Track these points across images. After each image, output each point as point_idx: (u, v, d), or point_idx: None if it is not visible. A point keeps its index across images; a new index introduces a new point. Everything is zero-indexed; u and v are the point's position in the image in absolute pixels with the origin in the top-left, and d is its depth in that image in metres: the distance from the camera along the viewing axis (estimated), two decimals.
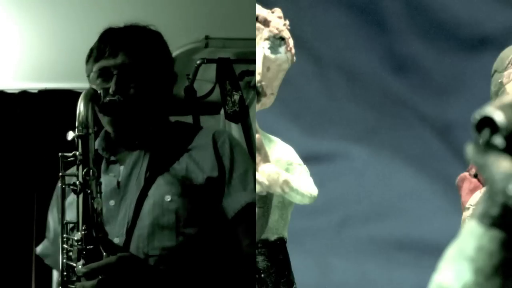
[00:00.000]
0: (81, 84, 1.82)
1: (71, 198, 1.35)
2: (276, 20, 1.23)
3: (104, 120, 1.40)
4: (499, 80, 1.54)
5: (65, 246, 1.31)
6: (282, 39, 1.22)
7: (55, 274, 1.52)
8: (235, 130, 2.29)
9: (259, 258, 1.24)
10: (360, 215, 2.31)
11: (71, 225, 1.33)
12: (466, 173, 1.57)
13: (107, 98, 1.36)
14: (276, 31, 1.22)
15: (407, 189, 2.28)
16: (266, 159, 1.17)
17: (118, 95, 1.37)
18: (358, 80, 2.25)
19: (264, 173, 1.15)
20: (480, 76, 1.67)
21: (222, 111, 2.29)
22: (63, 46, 2.09)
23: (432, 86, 2.34)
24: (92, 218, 1.28)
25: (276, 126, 2.13)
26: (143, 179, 1.37)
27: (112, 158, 1.44)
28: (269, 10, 1.23)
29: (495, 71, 1.57)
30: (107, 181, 1.38)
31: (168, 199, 1.35)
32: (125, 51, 1.42)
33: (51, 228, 1.51)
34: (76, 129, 1.30)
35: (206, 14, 2.04)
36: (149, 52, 1.46)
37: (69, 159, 1.31)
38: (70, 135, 1.31)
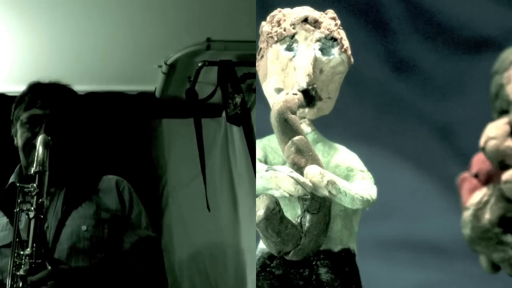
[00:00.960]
0: (79, 86, 1.86)
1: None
2: (327, 21, 1.18)
3: (29, 159, 1.70)
4: (499, 82, 1.55)
5: (15, 260, 1.58)
6: (334, 40, 1.17)
7: None
8: (237, 132, 2.29)
9: (322, 270, 1.16)
10: (361, 215, 2.31)
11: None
12: (467, 174, 1.58)
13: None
14: (327, 32, 1.17)
15: (408, 189, 2.29)
16: (313, 161, 1.11)
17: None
18: (359, 81, 2.25)
19: (308, 175, 1.09)
20: (480, 78, 1.67)
21: (223, 114, 2.30)
22: (62, 49, 2.10)
23: (433, 87, 2.35)
24: (43, 237, 1.59)
25: None
26: (60, 211, 1.69)
27: (27, 189, 1.69)
28: (321, 12, 1.19)
29: (495, 72, 1.58)
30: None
31: (84, 229, 1.69)
32: (53, 103, 1.71)
33: None
34: (35, 167, 1.60)
35: (208, 17, 2.04)
36: (71, 107, 1.75)
37: (24, 189, 1.61)
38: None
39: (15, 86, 2.06)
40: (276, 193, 1.09)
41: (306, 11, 1.18)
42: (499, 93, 1.55)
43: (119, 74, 2.26)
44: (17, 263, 1.58)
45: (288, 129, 1.09)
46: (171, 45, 2.14)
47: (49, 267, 1.57)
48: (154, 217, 2.18)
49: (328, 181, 1.08)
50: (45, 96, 1.74)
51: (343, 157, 1.21)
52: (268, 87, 1.19)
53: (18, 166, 1.80)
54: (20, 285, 1.55)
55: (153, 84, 2.32)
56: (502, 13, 2.28)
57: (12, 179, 1.79)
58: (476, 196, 1.51)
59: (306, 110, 1.18)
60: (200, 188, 2.31)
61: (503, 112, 1.54)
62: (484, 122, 1.56)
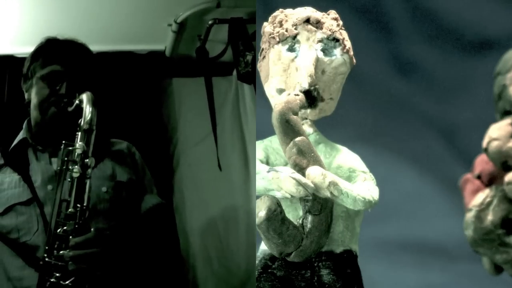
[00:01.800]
0: (93, 46, 1.84)
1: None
2: (330, 21, 1.17)
3: (45, 116, 1.66)
4: (502, 83, 1.55)
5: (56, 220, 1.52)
6: (336, 40, 1.17)
7: None
8: (248, 90, 2.27)
9: (324, 271, 1.15)
10: (363, 216, 2.32)
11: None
12: (469, 175, 1.58)
13: (64, 99, 1.62)
14: (329, 33, 1.16)
15: (411, 190, 2.28)
16: (315, 163, 1.10)
17: (66, 97, 1.62)
18: (362, 82, 2.25)
19: (310, 176, 1.08)
20: (483, 79, 1.67)
21: (234, 72, 2.27)
22: (69, 9, 2.07)
23: (436, 88, 2.35)
24: (88, 198, 1.53)
25: None
26: None
27: (40, 148, 1.69)
28: (323, 13, 1.18)
29: (498, 73, 1.57)
30: (42, 168, 1.66)
31: (104, 190, 1.66)
32: (74, 61, 1.67)
33: None
34: (83, 124, 1.55)
35: None
36: (91, 65, 1.71)
37: (69, 148, 1.55)
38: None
39: (23, 48, 2.04)
40: (278, 194, 1.09)
41: (308, 11, 1.17)
42: (502, 94, 1.55)
43: (129, 33, 2.22)
44: (58, 223, 1.53)
45: (290, 130, 1.10)
46: (181, 3, 2.10)
47: (93, 230, 1.52)
48: (165, 177, 2.23)
49: (330, 182, 1.08)
50: (65, 53, 1.69)
51: (345, 158, 1.20)
52: (269, 87, 1.19)
53: (26, 122, 1.75)
54: (61, 245, 1.50)
55: (163, 43, 2.28)
56: (505, 14, 2.28)
57: (22, 135, 1.73)
58: (478, 198, 1.51)
59: (308, 111, 1.18)
60: (211, 147, 2.28)
61: (506, 113, 1.54)
62: (487, 123, 1.55)
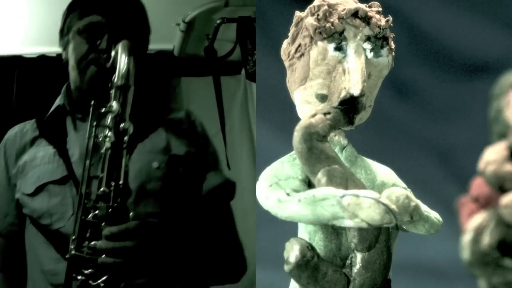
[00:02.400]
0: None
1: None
2: (377, 16, 0.96)
3: (84, 77, 1.36)
4: (498, 106, 1.56)
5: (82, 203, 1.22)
6: (385, 39, 0.96)
7: None
8: (255, 90, 2.26)
9: None
10: None
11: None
12: (466, 197, 1.59)
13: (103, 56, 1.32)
14: (378, 30, 0.95)
15: None
16: (362, 185, 0.90)
17: (107, 53, 1.32)
18: None
19: (392, 198, 0.87)
20: (479, 101, 1.68)
21: (243, 71, 2.26)
22: None
23: (432, 110, 2.35)
24: (125, 175, 1.21)
25: (277, 146, 2.14)
26: None
27: (79, 116, 1.41)
28: (366, 4, 0.97)
29: (494, 97, 1.59)
30: (81, 139, 1.34)
31: (156, 166, 1.35)
32: (116, 9, 1.38)
33: None
34: (116, 80, 1.23)
35: None
36: (136, 13, 1.43)
37: (101, 111, 1.24)
38: None
39: (31, 48, 2.03)
40: (349, 223, 0.87)
41: (353, 3, 0.97)
42: (498, 117, 1.56)
43: None
44: (86, 205, 1.22)
45: (314, 160, 0.89)
46: (189, 2, 2.09)
47: (132, 215, 1.21)
48: None
49: (414, 206, 0.89)
50: (106, 0, 1.39)
51: (384, 172, 1.00)
52: (306, 92, 0.97)
53: (65, 86, 1.46)
54: (93, 235, 1.20)
55: (171, 42, 2.26)
56: (501, 37, 2.29)
57: (59, 101, 1.44)
58: (475, 220, 1.52)
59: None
60: (219, 146, 2.26)
61: (502, 136, 1.55)
62: (483, 145, 1.56)
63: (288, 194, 0.89)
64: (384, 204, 0.85)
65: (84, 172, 1.24)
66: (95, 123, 1.27)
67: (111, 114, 1.21)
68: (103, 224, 1.18)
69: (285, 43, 1.00)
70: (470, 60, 2.37)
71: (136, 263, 1.18)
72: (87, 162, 1.24)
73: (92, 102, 1.28)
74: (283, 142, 2.24)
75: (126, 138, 1.21)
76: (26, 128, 1.44)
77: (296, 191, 0.89)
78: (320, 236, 0.93)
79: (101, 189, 1.20)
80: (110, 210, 1.18)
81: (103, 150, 1.22)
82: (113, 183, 1.19)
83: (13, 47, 2.15)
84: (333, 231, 0.93)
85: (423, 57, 2.33)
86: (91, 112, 1.28)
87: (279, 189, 0.90)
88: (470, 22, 2.35)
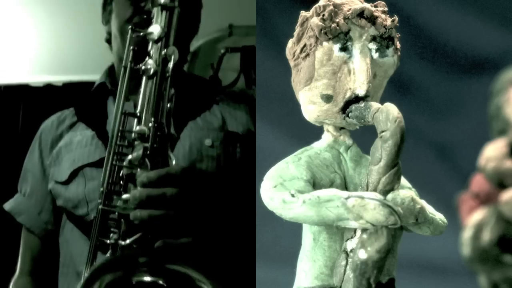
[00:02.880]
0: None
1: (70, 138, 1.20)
2: (382, 15, 0.96)
3: (123, 43, 1.17)
4: (498, 103, 1.57)
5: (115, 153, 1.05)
6: (391, 39, 0.96)
7: (27, 235, 1.30)
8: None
9: None
10: None
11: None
12: (466, 194, 1.59)
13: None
14: (383, 30, 0.95)
15: None
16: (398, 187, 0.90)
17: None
18: None
19: (397, 200, 0.88)
20: (479, 98, 1.68)
21: None
22: (84, 38, 2.06)
23: (432, 107, 2.36)
24: (168, 114, 1.05)
25: (277, 146, 2.14)
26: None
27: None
28: (371, 4, 0.97)
29: (494, 93, 1.59)
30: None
31: (209, 144, 1.20)
32: None
33: (29, 179, 1.30)
34: (157, 34, 1.06)
35: (230, 2, 2.02)
36: None
37: (141, 35, 1.08)
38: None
39: (38, 77, 2.04)
40: (354, 224, 0.88)
41: (360, 2, 0.96)
42: (498, 114, 1.56)
43: None
44: (119, 148, 1.05)
45: (401, 152, 0.88)
46: None
47: (174, 161, 1.03)
48: None
49: (420, 208, 0.89)
50: None
51: None
52: (312, 93, 0.97)
53: (109, 67, 1.32)
54: (126, 186, 1.03)
55: None
56: (500, 34, 2.29)
57: (100, 79, 1.31)
58: (475, 217, 1.52)
59: (349, 120, 0.96)
60: None
61: (502, 133, 1.55)
62: (483, 142, 1.56)
63: (292, 195, 0.89)
64: (389, 206, 0.86)
65: (118, 112, 1.07)
66: (135, 48, 1.10)
67: (153, 35, 1.06)
68: (138, 170, 1.01)
69: (290, 42, 0.99)
70: (470, 57, 2.37)
71: (179, 216, 1.00)
72: (123, 91, 1.08)
73: (130, 26, 1.11)
74: (283, 142, 2.26)
75: (170, 65, 1.06)
76: (64, 114, 1.32)
77: (301, 192, 0.89)
78: (325, 236, 0.93)
79: (138, 127, 1.02)
80: (148, 152, 1.01)
81: (143, 81, 1.06)
82: (152, 121, 1.03)
83: (19, 75, 2.16)
84: (337, 231, 0.92)
85: (423, 54, 2.34)
86: (129, 36, 1.11)
87: (283, 190, 0.90)
88: (470, 19, 2.35)
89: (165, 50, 1.06)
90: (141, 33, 1.07)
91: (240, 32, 2.08)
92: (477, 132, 1.68)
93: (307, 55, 0.96)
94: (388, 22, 0.94)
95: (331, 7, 0.95)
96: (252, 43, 2.09)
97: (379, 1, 0.96)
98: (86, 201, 1.18)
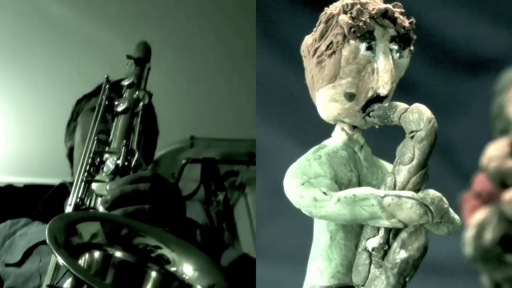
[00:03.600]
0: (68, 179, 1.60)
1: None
2: (401, 16, 0.96)
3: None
4: (500, 102, 1.56)
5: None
6: (408, 40, 0.96)
7: None
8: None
9: None
10: None
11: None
12: (468, 193, 1.59)
13: None
14: (403, 31, 0.95)
15: None
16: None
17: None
18: None
19: (428, 200, 0.87)
20: (480, 97, 1.68)
21: None
22: (50, 141, 2.08)
23: (434, 107, 2.35)
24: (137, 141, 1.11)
25: (277, 146, 2.14)
26: None
27: None
28: (389, 5, 0.96)
29: (496, 92, 1.59)
30: None
31: None
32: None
33: None
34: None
35: (191, 115, 2.07)
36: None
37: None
38: None
39: (0, 177, 2.06)
40: (384, 223, 0.88)
41: (381, 3, 0.96)
42: (500, 113, 1.56)
43: None
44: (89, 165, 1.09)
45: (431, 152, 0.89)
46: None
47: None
48: None
49: (447, 207, 0.89)
50: None
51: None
52: (335, 90, 0.96)
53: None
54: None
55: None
56: (503, 34, 2.29)
57: (62, 180, 1.42)
58: (478, 216, 1.52)
59: (374, 120, 0.97)
60: None
61: (504, 133, 1.55)
62: (485, 141, 1.56)
63: (325, 193, 0.88)
64: (425, 206, 0.86)
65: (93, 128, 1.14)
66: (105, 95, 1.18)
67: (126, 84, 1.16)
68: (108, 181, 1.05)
69: (309, 39, 0.98)
70: (472, 56, 2.37)
71: (154, 210, 1.02)
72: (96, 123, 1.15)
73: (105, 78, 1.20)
74: (283, 142, 2.25)
75: (140, 106, 1.14)
76: (19, 219, 1.34)
77: (330, 190, 0.89)
78: (342, 235, 0.93)
79: (110, 148, 1.10)
80: (118, 165, 1.07)
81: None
82: (124, 143, 1.09)
83: None
84: (352, 230, 0.93)
85: (425, 53, 2.33)
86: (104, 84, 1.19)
87: (313, 188, 0.89)
88: (472, 18, 2.35)
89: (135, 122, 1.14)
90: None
91: (201, 144, 2.16)
92: (479, 131, 1.67)
93: (333, 52, 0.95)
94: (406, 23, 0.95)
95: (359, 5, 0.94)
96: (212, 155, 2.14)
97: (396, 2, 0.96)
98: (39, 273, 1.16)
